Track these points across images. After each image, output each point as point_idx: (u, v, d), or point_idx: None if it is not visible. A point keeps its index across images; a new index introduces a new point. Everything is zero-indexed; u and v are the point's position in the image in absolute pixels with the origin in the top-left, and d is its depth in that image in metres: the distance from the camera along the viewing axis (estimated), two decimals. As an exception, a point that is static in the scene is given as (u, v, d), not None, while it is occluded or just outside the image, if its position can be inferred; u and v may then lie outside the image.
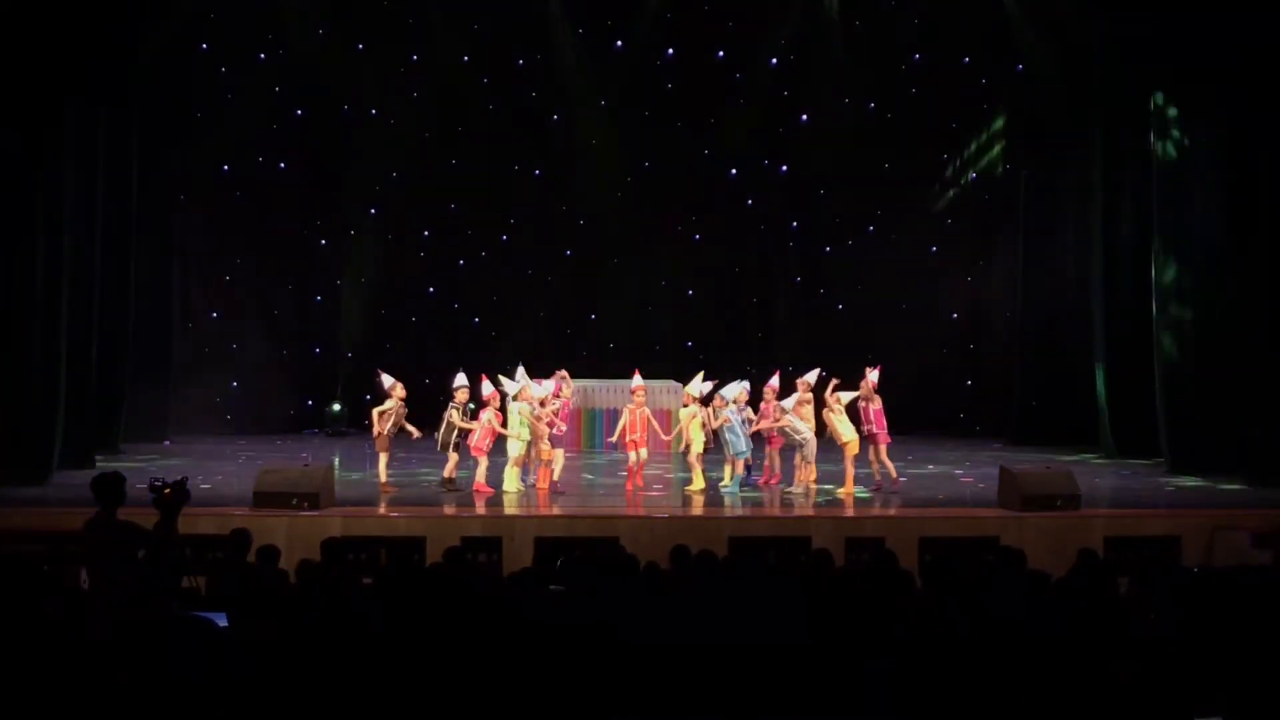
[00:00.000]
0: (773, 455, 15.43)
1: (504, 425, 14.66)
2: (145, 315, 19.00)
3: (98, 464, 15.23)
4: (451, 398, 14.92)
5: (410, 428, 14.85)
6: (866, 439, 15.00)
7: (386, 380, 14.95)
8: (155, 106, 18.76)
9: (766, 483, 15.50)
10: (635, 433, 14.91)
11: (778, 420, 14.99)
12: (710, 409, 14.89)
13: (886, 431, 15.08)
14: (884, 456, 15.07)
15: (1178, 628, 7.03)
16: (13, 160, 15.18)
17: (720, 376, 16.41)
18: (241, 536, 9.71)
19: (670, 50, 21.69)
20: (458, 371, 15.14)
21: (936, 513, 13.84)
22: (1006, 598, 7.77)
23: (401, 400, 14.73)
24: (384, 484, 14.69)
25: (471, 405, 14.81)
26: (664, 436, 15.67)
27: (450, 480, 14.77)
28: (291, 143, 21.37)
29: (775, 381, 15.52)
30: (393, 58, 21.34)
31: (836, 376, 15.86)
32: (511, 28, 21.25)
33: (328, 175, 21.23)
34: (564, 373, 15.78)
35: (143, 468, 14.66)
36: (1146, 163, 17.49)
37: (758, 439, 15.38)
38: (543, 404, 14.84)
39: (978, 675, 6.18)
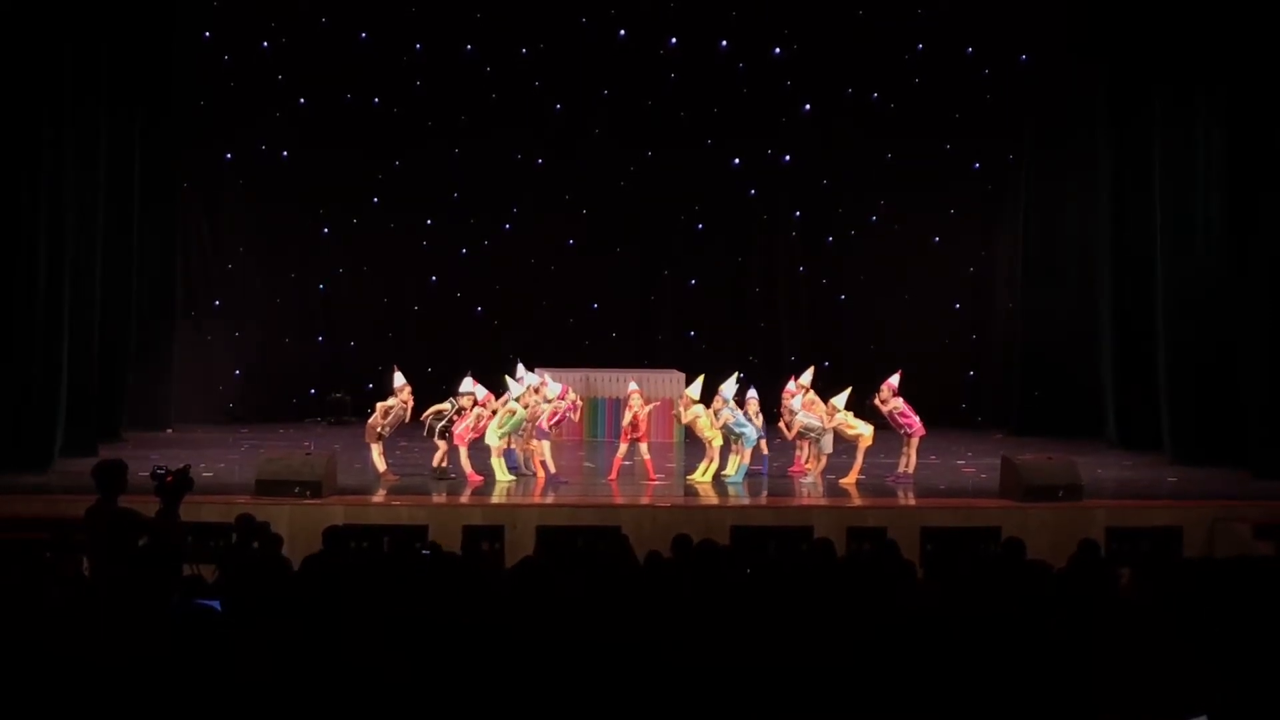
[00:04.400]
0: (802, 446, 15.44)
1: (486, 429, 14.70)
2: (148, 303, 19.03)
3: (100, 451, 15.23)
4: (455, 395, 14.96)
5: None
6: (903, 436, 15.14)
7: (398, 380, 14.99)
8: (158, 94, 18.75)
9: (792, 472, 15.60)
10: (643, 430, 14.95)
11: (788, 423, 15.06)
12: (712, 410, 14.90)
13: (920, 424, 15.16)
14: (913, 449, 15.11)
15: (1178, 619, 7.03)
16: (15, 148, 15.17)
17: (722, 366, 16.44)
18: (246, 523, 9.74)
19: (673, 39, 21.65)
20: (467, 375, 15.17)
21: (938, 503, 13.86)
22: (1007, 588, 7.78)
23: (405, 404, 14.79)
24: (384, 473, 14.71)
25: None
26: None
27: (438, 468, 14.81)
28: (294, 131, 21.33)
29: (808, 378, 15.62)
30: (395, 46, 21.31)
31: (838, 366, 15.93)
32: (514, 16, 21.21)
33: (330, 164, 21.18)
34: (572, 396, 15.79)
35: (145, 455, 14.65)
36: (1151, 152, 17.46)
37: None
38: (548, 400, 14.94)
39: (977, 665, 6.18)
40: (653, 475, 14.90)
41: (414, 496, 13.83)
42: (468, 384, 14.95)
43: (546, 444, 15.00)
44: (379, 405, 14.90)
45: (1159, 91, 17.22)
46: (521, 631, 6.33)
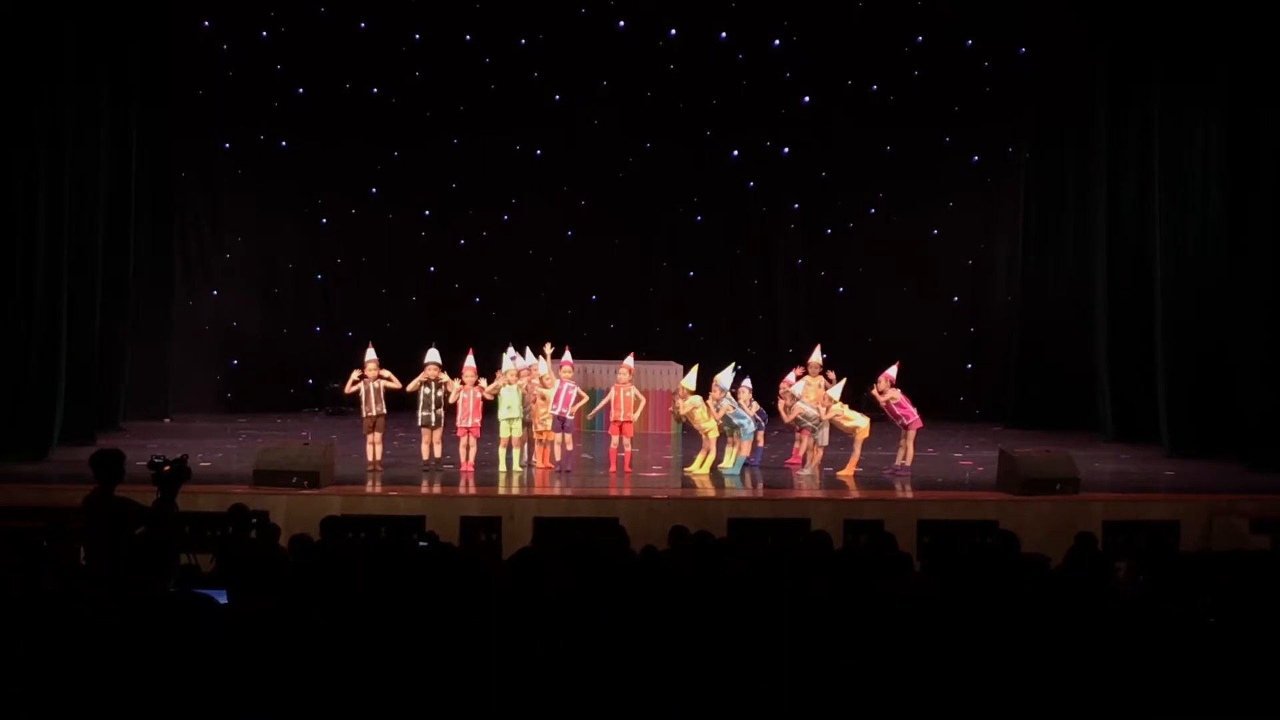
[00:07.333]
0: (801, 438, 15.44)
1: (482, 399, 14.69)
2: (146, 293, 19.03)
3: (98, 440, 15.23)
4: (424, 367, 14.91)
5: (392, 384, 14.81)
6: (900, 428, 15.16)
7: (368, 355, 14.93)
8: (156, 84, 18.74)
9: (789, 464, 15.62)
10: (618, 412, 14.92)
11: (787, 407, 15.04)
12: (710, 401, 14.89)
13: (918, 416, 15.16)
14: (910, 441, 15.11)
15: (1176, 613, 7.04)
16: (13, 138, 15.15)
17: (720, 358, 16.44)
18: (240, 513, 9.74)
19: (673, 30, 21.61)
20: (431, 347, 15.11)
21: (935, 495, 13.87)
22: (1004, 581, 7.78)
23: (374, 376, 14.67)
24: (373, 462, 14.68)
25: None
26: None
27: (431, 460, 14.76)
28: (292, 121, 21.32)
29: (818, 355, 15.59)
30: (394, 36, 21.29)
31: (836, 358, 15.89)
32: (513, 7, 21.19)
33: (329, 154, 21.18)
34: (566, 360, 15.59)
35: (143, 445, 14.67)
36: (1150, 146, 17.47)
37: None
38: (544, 383, 14.85)
39: (975, 658, 6.18)
40: (628, 467, 14.88)
41: (411, 487, 13.83)
42: (433, 354, 14.92)
43: (565, 436, 14.96)
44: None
45: (1158, 86, 17.21)
46: (519, 623, 6.33)
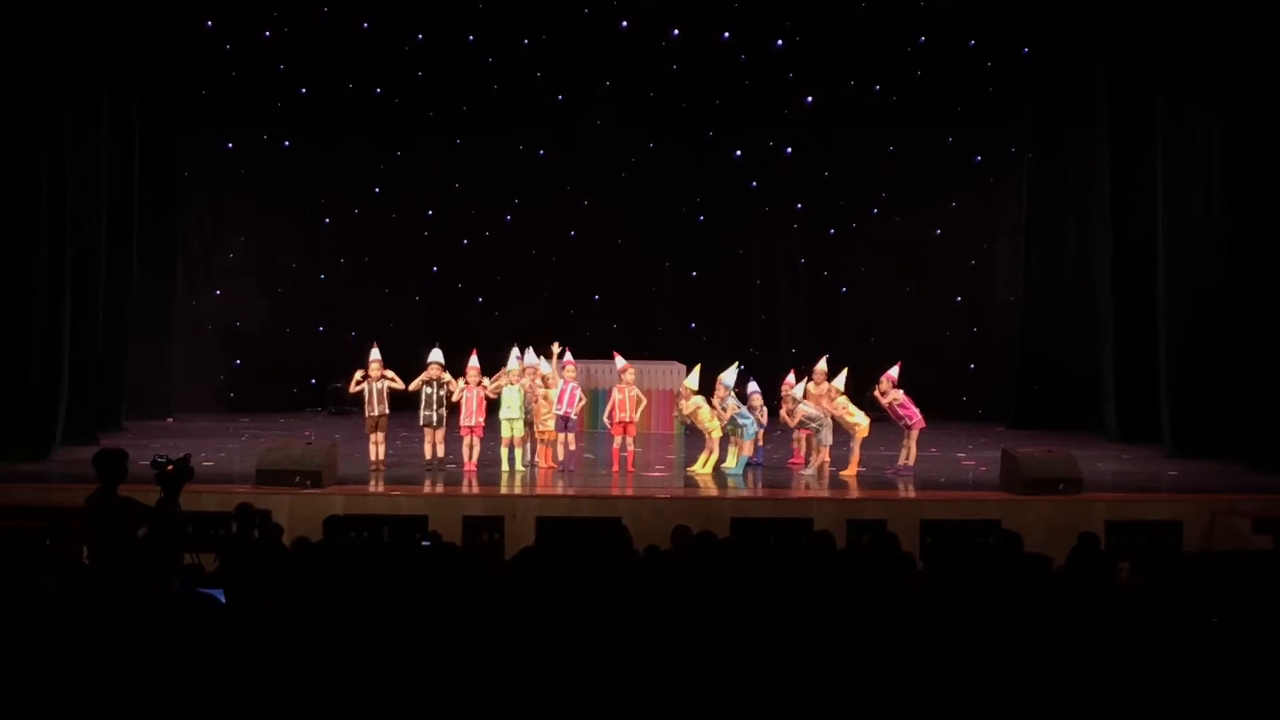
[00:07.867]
0: (800, 438, 15.45)
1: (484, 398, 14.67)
2: (148, 292, 19.04)
3: (100, 440, 15.24)
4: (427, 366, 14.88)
5: (395, 384, 14.80)
6: (903, 429, 15.16)
7: (373, 354, 14.92)
8: (157, 83, 18.76)
9: (791, 464, 15.63)
10: (624, 413, 14.91)
11: (790, 411, 15.04)
12: (716, 400, 14.88)
13: (920, 416, 15.16)
14: (913, 441, 15.11)
15: (1178, 613, 7.03)
16: (14, 138, 15.16)
17: (722, 358, 16.44)
18: (245, 512, 9.75)
19: (675, 31, 21.63)
20: (434, 347, 15.10)
21: (938, 495, 13.86)
22: (1007, 581, 7.78)
23: (378, 376, 14.65)
24: (376, 462, 14.67)
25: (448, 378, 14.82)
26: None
27: (434, 460, 14.74)
28: (295, 121, 21.35)
29: (823, 364, 15.53)
30: (397, 37, 21.30)
31: (838, 358, 15.91)
32: (516, 7, 21.20)
33: (331, 153, 21.21)
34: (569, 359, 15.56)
35: (145, 444, 14.67)
36: (1153, 146, 17.45)
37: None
38: (546, 383, 14.83)
39: (977, 658, 6.18)
40: (630, 467, 14.87)
41: (414, 487, 13.83)
42: (436, 354, 14.91)
43: (568, 436, 14.97)
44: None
45: (1160, 85, 17.20)
46: (521, 623, 6.33)
